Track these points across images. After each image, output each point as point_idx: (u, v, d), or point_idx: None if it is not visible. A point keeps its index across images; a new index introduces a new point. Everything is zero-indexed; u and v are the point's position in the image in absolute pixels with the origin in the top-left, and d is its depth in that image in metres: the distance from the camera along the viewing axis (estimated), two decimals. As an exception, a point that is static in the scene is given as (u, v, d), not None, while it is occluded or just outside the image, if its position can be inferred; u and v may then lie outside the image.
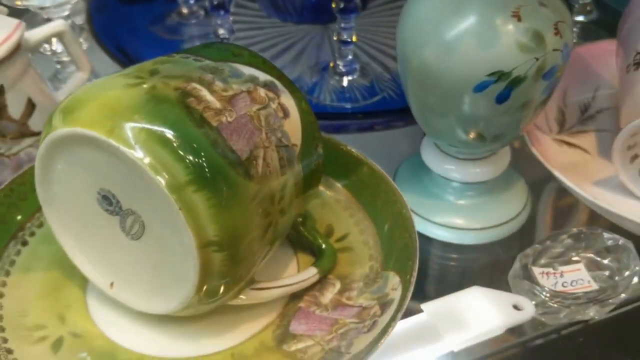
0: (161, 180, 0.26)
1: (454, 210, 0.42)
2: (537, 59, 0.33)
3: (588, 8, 0.63)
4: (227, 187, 0.27)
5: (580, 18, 0.63)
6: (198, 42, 0.59)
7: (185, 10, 0.60)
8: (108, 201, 0.29)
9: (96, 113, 0.27)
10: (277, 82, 0.32)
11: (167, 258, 0.29)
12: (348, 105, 0.51)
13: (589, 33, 0.62)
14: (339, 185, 0.39)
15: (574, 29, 0.62)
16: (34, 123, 0.39)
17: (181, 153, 0.26)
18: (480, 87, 0.34)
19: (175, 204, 0.26)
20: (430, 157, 0.41)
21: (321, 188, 0.37)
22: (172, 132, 0.26)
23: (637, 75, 0.41)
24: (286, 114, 0.31)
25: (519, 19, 0.33)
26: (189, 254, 0.27)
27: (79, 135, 0.27)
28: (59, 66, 0.52)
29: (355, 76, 0.52)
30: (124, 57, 0.53)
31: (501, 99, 0.34)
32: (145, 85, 0.28)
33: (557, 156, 0.43)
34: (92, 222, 0.30)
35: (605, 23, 0.62)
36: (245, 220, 0.28)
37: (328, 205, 0.38)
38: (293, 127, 0.31)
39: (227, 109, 0.28)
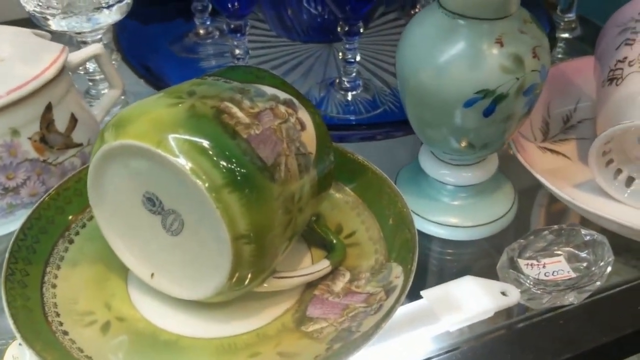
0: (202, 184, 0.30)
1: (449, 210, 0.44)
2: (517, 79, 0.36)
3: (572, 25, 0.65)
4: (256, 189, 0.31)
5: (565, 35, 0.65)
6: (214, 60, 0.61)
7: (201, 31, 0.63)
8: (152, 202, 0.33)
9: (145, 128, 0.31)
10: (294, 100, 0.35)
11: (202, 251, 0.32)
12: (352, 117, 0.53)
13: (574, 49, 0.64)
14: (346, 188, 0.42)
15: (560, 45, 0.65)
16: (76, 135, 0.42)
17: (218, 160, 0.30)
18: (469, 103, 0.37)
19: (214, 203, 0.30)
20: (427, 163, 0.44)
21: (331, 191, 0.40)
22: (210, 143, 0.30)
23: (610, 90, 0.44)
24: (303, 127, 0.35)
25: (502, 45, 0.36)
26: (224, 246, 0.31)
27: (131, 146, 0.31)
28: (91, 83, 0.54)
29: (358, 91, 0.54)
30: (148, 73, 0.55)
31: (487, 113, 0.37)
32: (185, 104, 0.32)
33: (541, 162, 0.46)
34: (135, 220, 0.34)
35: (588, 39, 0.63)
36: (271, 216, 0.31)
37: (337, 206, 0.41)
38: (309, 138, 0.35)
39: (254, 123, 0.32)
